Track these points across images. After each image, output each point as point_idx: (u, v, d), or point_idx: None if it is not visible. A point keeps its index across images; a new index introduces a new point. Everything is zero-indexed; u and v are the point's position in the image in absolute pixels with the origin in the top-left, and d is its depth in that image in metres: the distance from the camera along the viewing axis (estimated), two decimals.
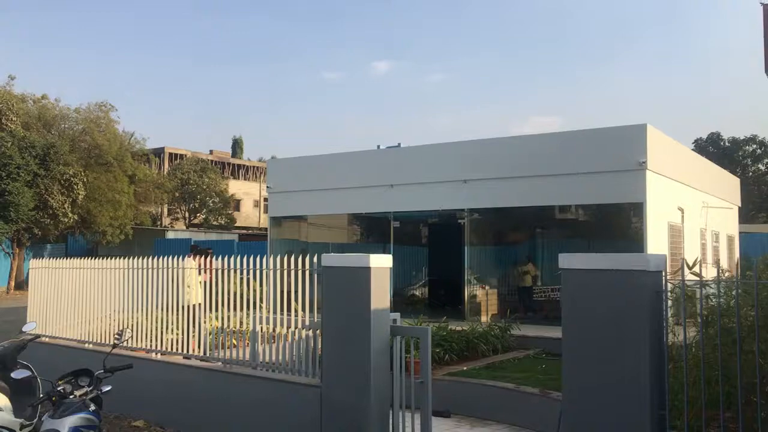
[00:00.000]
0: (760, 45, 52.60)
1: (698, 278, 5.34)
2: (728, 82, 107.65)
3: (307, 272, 7.65)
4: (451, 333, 11.74)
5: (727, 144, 55.72)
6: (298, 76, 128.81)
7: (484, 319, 17.09)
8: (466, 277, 17.31)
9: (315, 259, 7.58)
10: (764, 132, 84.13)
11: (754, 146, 55.67)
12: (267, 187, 21.38)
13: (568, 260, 5.50)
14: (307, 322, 7.62)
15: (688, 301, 5.24)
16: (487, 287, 18.08)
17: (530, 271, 18.40)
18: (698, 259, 6.24)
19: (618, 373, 5.03)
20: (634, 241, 15.21)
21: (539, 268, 18.23)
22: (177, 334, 9.43)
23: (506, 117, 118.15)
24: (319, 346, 7.36)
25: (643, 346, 4.95)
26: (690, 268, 6.12)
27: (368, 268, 6.72)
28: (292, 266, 7.80)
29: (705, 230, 19.31)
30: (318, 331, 7.46)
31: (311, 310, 7.57)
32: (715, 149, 53.77)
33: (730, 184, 23.98)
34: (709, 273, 19.51)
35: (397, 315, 7.22)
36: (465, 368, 11.01)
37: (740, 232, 24.16)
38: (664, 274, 5.19)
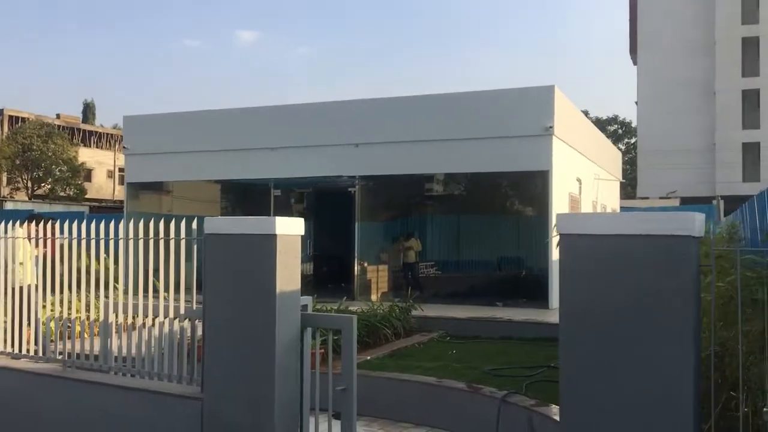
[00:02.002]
0: (626, 25, 54.26)
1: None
2: (593, 63, 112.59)
3: (183, 243, 5.64)
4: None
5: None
6: (157, 43, 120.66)
7: (374, 297, 15.60)
8: (356, 252, 15.64)
9: (194, 225, 5.59)
10: (625, 112, 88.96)
11: (616, 126, 58.11)
12: (123, 147, 18.52)
13: (570, 222, 3.94)
14: (182, 310, 5.63)
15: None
16: (377, 263, 16.55)
17: (413, 247, 17.15)
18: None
19: (651, 383, 3.53)
20: (538, 212, 14.21)
21: (438, 242, 16.94)
22: (4, 324, 7.11)
23: (374, 94, 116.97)
24: (200, 343, 5.42)
25: (687, 347, 3.47)
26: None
27: (273, 236, 4.85)
28: (161, 234, 5.74)
29: (596, 203, 18.83)
30: (198, 322, 5.51)
31: (188, 294, 5.60)
32: None
33: (615, 156, 23.92)
34: None
35: (308, 299, 5.40)
36: (369, 358, 9.36)
37: (621, 207, 24.24)
38: (711, 240, 3.74)
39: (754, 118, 43.75)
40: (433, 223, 17.56)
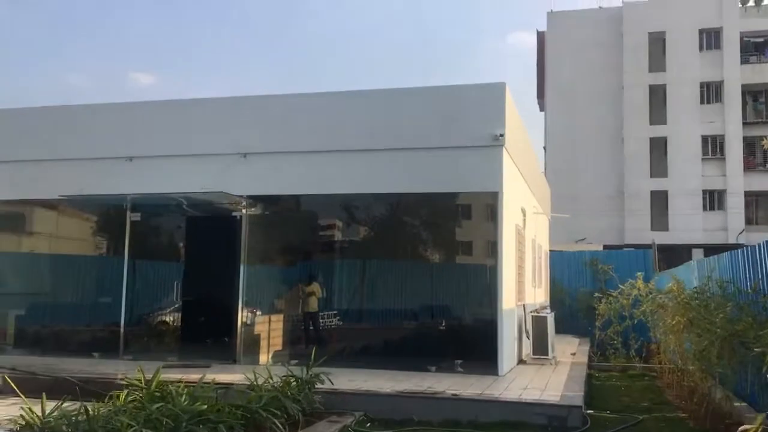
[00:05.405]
0: (533, 70, 53.72)
1: None
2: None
3: None
4: (220, 404, 6.20)
5: None
6: (36, 77, 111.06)
7: (264, 358, 11.84)
8: (242, 298, 11.76)
9: None
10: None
11: None
12: None
13: None
14: None
15: None
16: (270, 312, 12.75)
17: (315, 292, 13.67)
18: None
19: None
20: (483, 246, 10.93)
21: (346, 286, 13.34)
22: None
23: None
24: None
25: None
26: None
27: None
28: None
29: (535, 241, 15.83)
30: None
31: None
32: None
33: (546, 189, 21.22)
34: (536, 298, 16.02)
35: None
36: None
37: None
38: None
39: (662, 167, 43.20)
40: (343, 264, 14.02)
